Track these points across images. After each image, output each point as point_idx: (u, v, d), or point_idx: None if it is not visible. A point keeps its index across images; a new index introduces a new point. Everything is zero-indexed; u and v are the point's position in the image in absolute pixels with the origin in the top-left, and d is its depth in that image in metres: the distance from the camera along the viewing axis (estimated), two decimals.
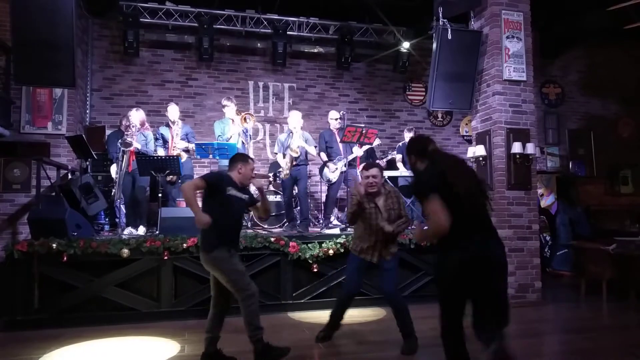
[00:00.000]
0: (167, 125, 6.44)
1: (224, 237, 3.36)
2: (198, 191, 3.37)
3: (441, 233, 2.43)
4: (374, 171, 3.73)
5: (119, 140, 5.73)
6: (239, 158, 3.61)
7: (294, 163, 6.20)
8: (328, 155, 6.57)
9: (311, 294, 5.23)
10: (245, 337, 3.43)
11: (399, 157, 7.24)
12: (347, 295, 3.90)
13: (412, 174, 7.18)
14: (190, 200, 3.24)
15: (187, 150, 6.35)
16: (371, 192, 3.72)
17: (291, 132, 6.31)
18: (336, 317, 3.94)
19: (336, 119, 6.69)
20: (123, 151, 5.65)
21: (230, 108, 6.41)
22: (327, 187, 6.65)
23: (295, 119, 6.34)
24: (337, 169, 6.44)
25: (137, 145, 5.80)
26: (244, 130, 6.39)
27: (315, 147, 6.52)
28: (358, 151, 6.51)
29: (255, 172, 3.70)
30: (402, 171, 7.05)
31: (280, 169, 6.43)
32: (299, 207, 6.64)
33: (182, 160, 5.99)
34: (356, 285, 3.92)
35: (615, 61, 9.21)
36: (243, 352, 3.59)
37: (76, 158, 6.24)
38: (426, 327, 4.48)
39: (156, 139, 6.29)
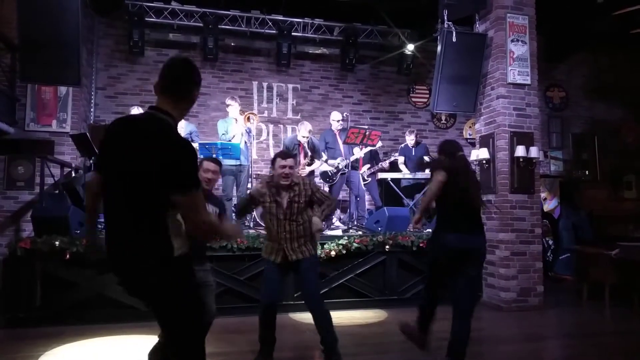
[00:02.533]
0: None
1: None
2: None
3: None
4: (290, 161, 3.35)
5: None
6: None
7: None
8: (330, 157, 6.60)
9: None
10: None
11: (401, 159, 7.23)
12: (264, 305, 3.39)
13: (414, 176, 7.19)
14: None
15: None
16: (282, 185, 3.35)
17: (298, 144, 6.30)
18: (264, 334, 3.41)
19: (338, 121, 6.72)
20: None
21: (233, 107, 6.41)
22: (328, 188, 6.66)
23: (304, 131, 6.27)
24: (338, 164, 6.46)
25: None
26: (247, 130, 6.40)
27: (324, 151, 6.55)
28: (359, 153, 6.52)
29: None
30: (405, 173, 7.05)
31: None
32: None
33: None
34: (271, 293, 3.40)
35: (620, 66, 9.16)
36: (243, 352, 3.61)
37: (80, 156, 6.25)
38: None
39: None
